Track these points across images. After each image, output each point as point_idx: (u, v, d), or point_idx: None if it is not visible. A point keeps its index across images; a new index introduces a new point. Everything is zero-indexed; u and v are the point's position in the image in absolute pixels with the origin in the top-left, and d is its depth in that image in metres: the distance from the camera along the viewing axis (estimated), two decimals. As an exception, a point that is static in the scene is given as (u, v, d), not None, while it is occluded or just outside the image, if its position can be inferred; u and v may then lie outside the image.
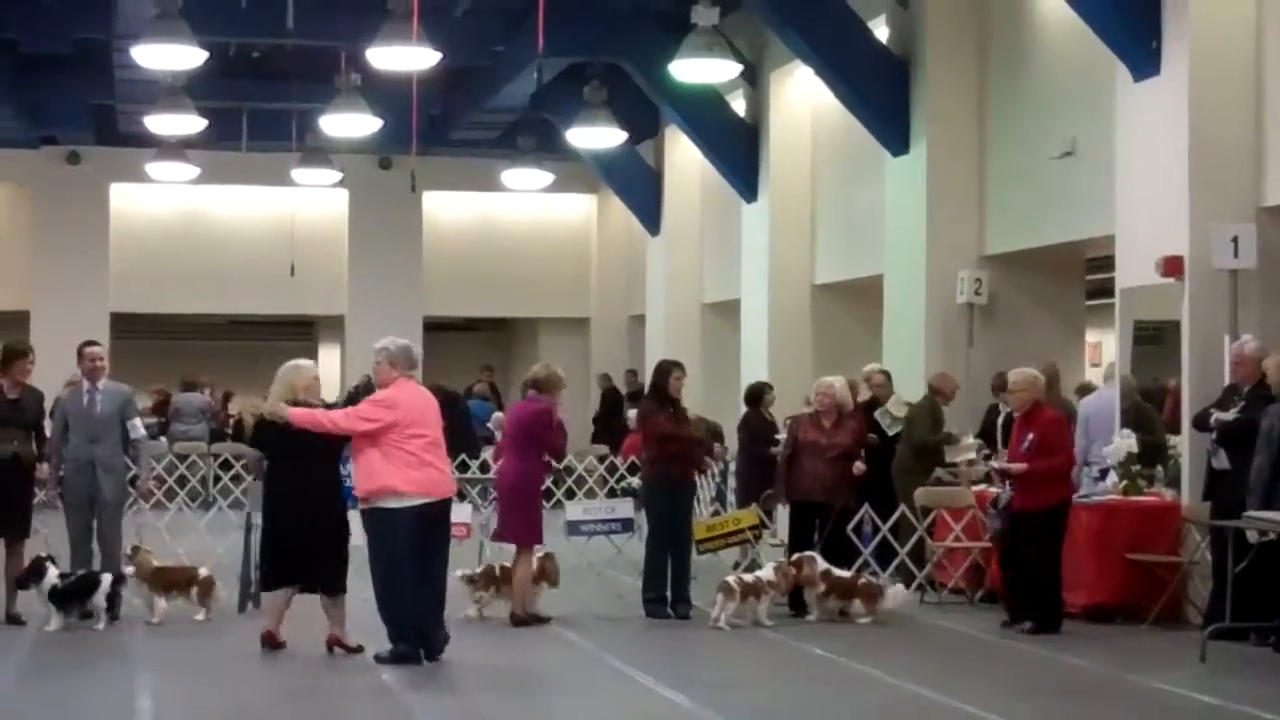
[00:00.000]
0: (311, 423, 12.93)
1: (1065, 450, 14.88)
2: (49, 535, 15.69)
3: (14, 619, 14.66)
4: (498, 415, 29.86)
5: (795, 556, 15.37)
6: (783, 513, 17.11)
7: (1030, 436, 14.62)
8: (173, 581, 15.00)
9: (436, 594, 12.89)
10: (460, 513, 17.12)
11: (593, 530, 16.97)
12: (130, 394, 15.67)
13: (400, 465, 12.57)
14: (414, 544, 12.55)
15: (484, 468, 24.13)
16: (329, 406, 13.46)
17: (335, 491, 13.18)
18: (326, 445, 13.02)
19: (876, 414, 18.04)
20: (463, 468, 23.56)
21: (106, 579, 14.44)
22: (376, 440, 12.62)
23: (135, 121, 27.90)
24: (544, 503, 15.68)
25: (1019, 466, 14.55)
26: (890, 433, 17.96)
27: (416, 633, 12.70)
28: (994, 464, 15.39)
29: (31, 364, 15.15)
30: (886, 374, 18.57)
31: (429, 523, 12.62)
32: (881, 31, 21.11)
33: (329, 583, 13.06)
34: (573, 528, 16.93)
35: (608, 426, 31.74)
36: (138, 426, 15.30)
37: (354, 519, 13.14)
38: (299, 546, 12.94)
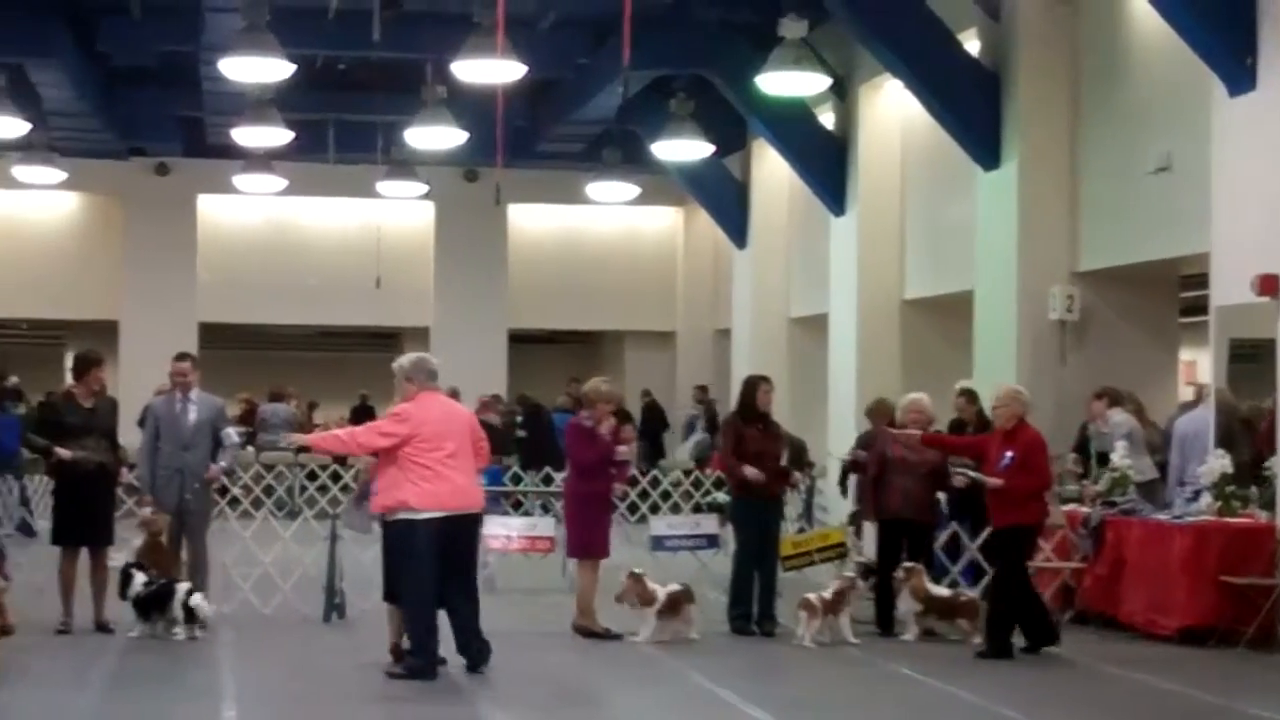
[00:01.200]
0: (334, 445, 13.23)
1: (1042, 472, 14.61)
2: (132, 542, 15.79)
3: (102, 627, 14.80)
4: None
5: (907, 566, 15.24)
6: (869, 530, 17.01)
7: (1010, 454, 14.47)
8: None
9: (468, 606, 12.90)
10: (544, 526, 17.21)
11: (678, 546, 16.97)
12: (222, 405, 15.86)
13: (416, 479, 12.63)
14: (435, 557, 12.58)
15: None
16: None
17: None
18: None
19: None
20: (546, 481, 23.59)
21: (182, 588, 14.53)
22: (394, 454, 12.70)
23: (223, 133, 28.17)
24: (624, 516, 15.65)
25: (995, 481, 14.41)
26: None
27: (433, 646, 12.71)
28: (968, 474, 15.17)
29: (105, 372, 15.36)
30: (969, 393, 18.35)
31: (451, 536, 12.62)
32: (972, 44, 21.01)
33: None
34: (657, 543, 16.93)
35: (650, 443, 31.89)
36: (231, 435, 15.52)
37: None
38: None
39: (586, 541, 15.14)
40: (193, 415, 15.27)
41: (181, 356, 15.63)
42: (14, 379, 28.86)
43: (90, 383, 15.12)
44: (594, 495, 15.21)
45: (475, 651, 12.87)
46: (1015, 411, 14.64)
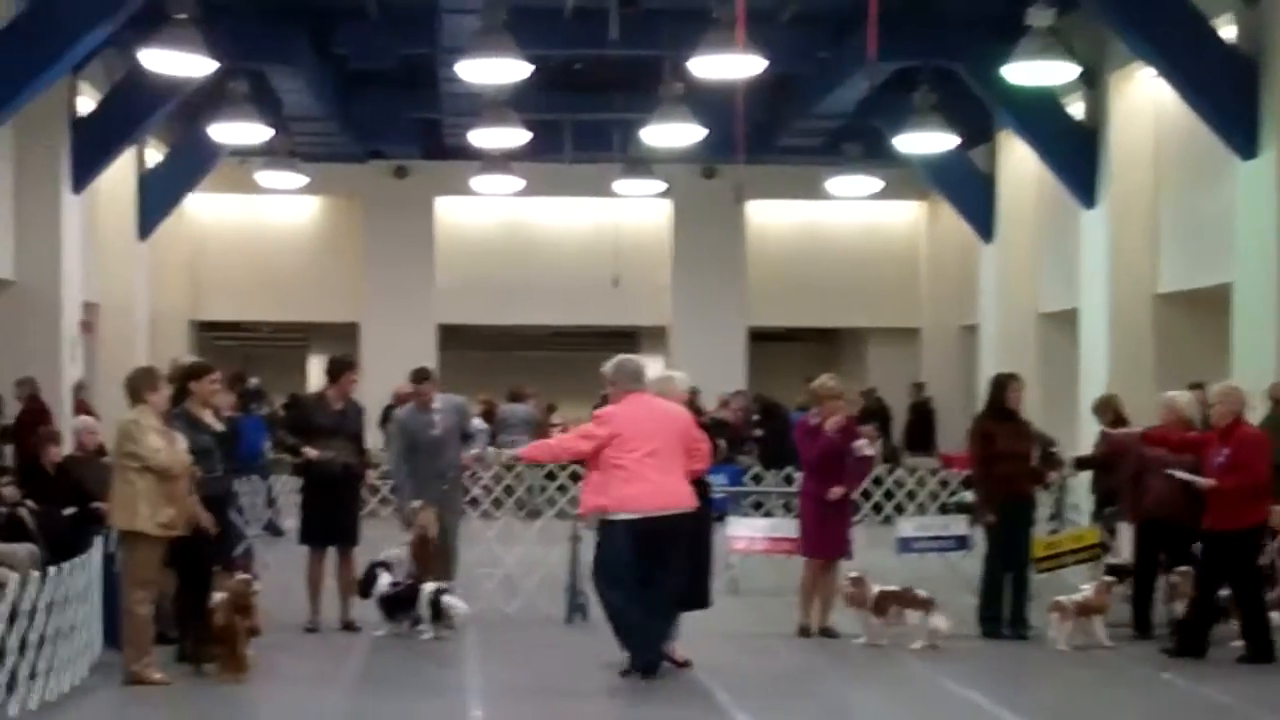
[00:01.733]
0: (543, 454, 13.71)
1: (1257, 470, 14.21)
2: (379, 541, 16.19)
3: (349, 626, 15.20)
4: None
5: (1180, 571, 15.01)
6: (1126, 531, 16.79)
7: (1225, 453, 14.19)
8: None
9: (663, 609, 12.96)
10: (786, 527, 17.25)
11: (925, 548, 16.91)
12: (463, 402, 16.39)
13: (613, 481, 12.78)
14: (632, 558, 12.69)
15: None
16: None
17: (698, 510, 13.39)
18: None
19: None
20: (787, 481, 23.65)
21: (428, 588, 14.86)
22: (597, 457, 12.89)
23: (460, 135, 28.59)
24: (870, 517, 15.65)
25: (1208, 482, 14.15)
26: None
27: (639, 644, 12.81)
28: (1177, 474, 14.88)
29: (357, 377, 15.84)
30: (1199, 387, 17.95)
31: (648, 537, 12.68)
32: (1228, 30, 20.62)
33: (685, 599, 13.34)
34: (904, 544, 16.90)
35: (922, 438, 31.81)
36: (478, 424, 16.05)
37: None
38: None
39: (818, 541, 15.20)
40: (438, 425, 15.73)
41: (421, 377, 16.02)
42: (254, 380, 29.67)
43: (344, 386, 15.61)
44: (826, 494, 15.24)
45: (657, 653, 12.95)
46: (1231, 409, 14.38)
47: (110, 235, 29.24)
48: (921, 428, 33.25)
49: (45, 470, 15.74)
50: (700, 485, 13.35)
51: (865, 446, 15.61)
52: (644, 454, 12.79)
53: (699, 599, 13.52)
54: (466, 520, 17.69)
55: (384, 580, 15.01)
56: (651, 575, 12.76)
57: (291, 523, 17.42)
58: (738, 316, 34.79)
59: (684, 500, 12.90)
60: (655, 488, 12.76)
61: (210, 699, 12.05)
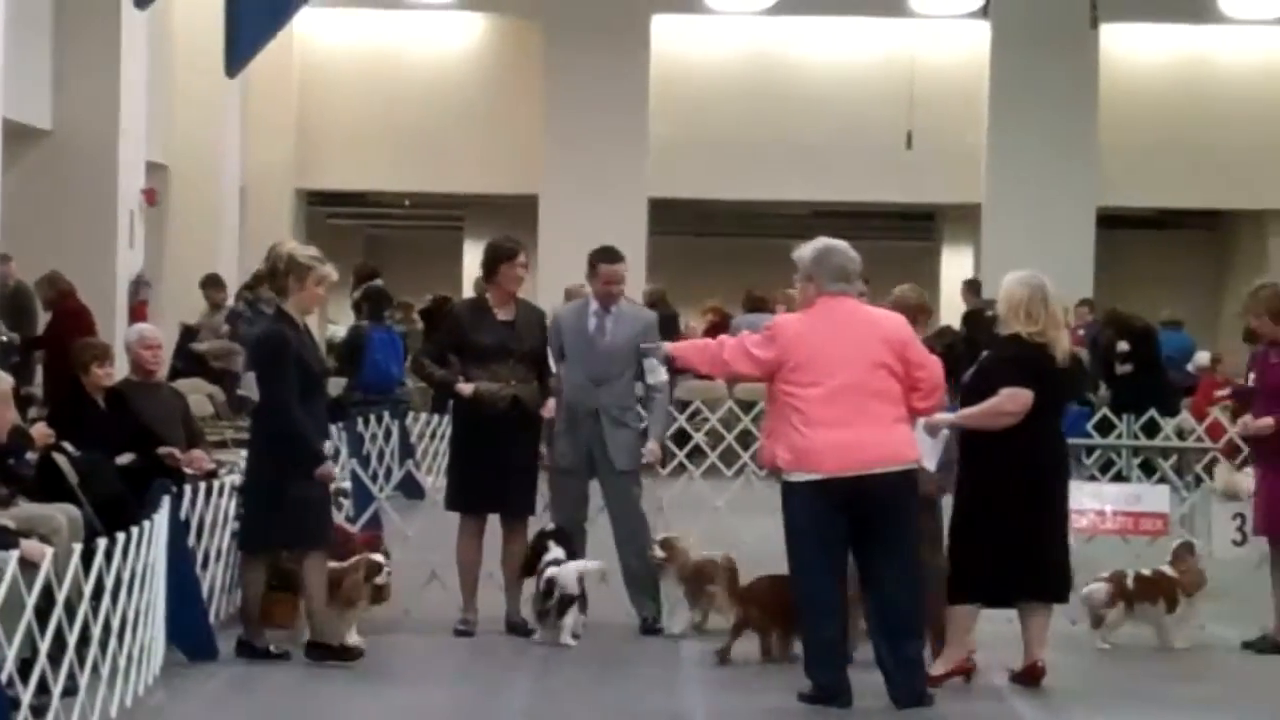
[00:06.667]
0: (695, 357, 13.47)
1: None
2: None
3: (516, 628, 15.18)
4: (1204, 354, 29.56)
5: None
6: None
7: None
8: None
9: (889, 613, 12.75)
10: (1152, 497, 17.06)
11: None
12: (653, 321, 15.91)
13: (786, 426, 12.64)
14: (820, 535, 12.61)
15: (1181, 432, 23.86)
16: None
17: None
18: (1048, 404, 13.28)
19: None
20: (1150, 431, 23.41)
21: (574, 567, 14.86)
22: (771, 388, 12.81)
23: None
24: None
25: None
26: None
27: (829, 658, 12.69)
28: None
29: (524, 267, 15.54)
30: None
31: (840, 508, 12.59)
32: None
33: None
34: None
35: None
36: (657, 369, 15.45)
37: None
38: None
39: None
40: (610, 336, 15.47)
41: (610, 255, 15.67)
42: (378, 281, 29.85)
43: (506, 283, 15.34)
44: None
45: (900, 681, 12.70)
46: None
47: (186, 70, 29.62)
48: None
49: (90, 400, 15.85)
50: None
51: None
52: (826, 391, 12.57)
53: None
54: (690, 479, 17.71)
55: (553, 555, 15.02)
56: (864, 565, 12.75)
57: (437, 480, 17.56)
58: (1080, 191, 34.44)
59: (894, 454, 12.69)
60: (841, 440, 12.52)
61: None
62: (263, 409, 14.00)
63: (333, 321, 34.70)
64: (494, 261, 15.41)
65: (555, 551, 14.99)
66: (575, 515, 15.48)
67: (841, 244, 13.04)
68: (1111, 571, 15.34)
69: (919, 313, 14.71)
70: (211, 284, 27.33)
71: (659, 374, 14.95)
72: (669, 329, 29.47)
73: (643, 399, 15.66)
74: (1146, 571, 15.33)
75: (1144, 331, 28.74)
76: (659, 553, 15.17)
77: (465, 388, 15.22)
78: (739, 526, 16.93)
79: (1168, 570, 15.30)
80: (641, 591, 15.42)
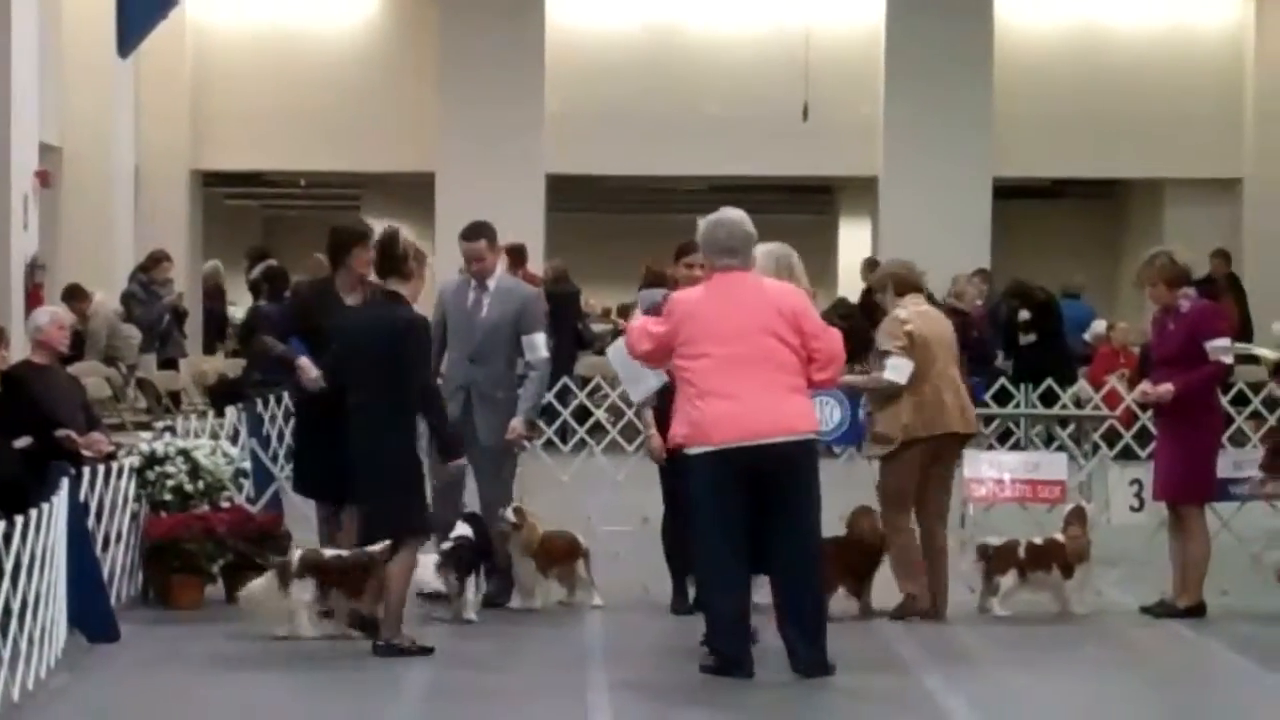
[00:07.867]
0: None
1: None
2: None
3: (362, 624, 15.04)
4: (1100, 323, 29.83)
5: None
6: None
7: None
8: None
9: (790, 584, 12.84)
10: (1050, 465, 17.20)
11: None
12: (534, 296, 16.00)
13: (683, 402, 12.82)
14: (719, 508, 12.68)
15: (1078, 400, 24.00)
16: None
17: None
18: None
19: None
20: (1048, 400, 23.56)
21: (430, 561, 14.79)
22: (672, 363, 12.97)
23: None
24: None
25: None
26: None
27: (727, 628, 12.76)
28: None
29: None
30: None
31: (738, 479, 12.65)
32: None
33: None
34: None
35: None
36: (537, 345, 15.44)
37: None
38: None
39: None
40: (486, 311, 15.47)
41: (466, 232, 15.62)
42: (271, 261, 29.63)
43: (358, 267, 15.12)
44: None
45: (801, 652, 12.81)
46: None
47: (77, 50, 29.48)
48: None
49: (-15, 383, 15.80)
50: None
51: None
52: (714, 362, 12.68)
53: None
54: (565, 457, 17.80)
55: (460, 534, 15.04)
56: (761, 534, 12.74)
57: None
58: (978, 164, 34.47)
59: (787, 424, 12.73)
60: (732, 411, 12.61)
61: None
62: (429, 392, 14.06)
63: (232, 303, 34.65)
64: (345, 245, 15.32)
65: (462, 529, 15.03)
66: (452, 493, 15.35)
67: (732, 216, 13.11)
68: (1004, 539, 15.48)
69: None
70: (73, 295, 26.05)
71: (539, 351, 15.11)
72: (569, 306, 29.56)
73: (523, 375, 15.74)
74: (1039, 540, 15.49)
75: (1046, 302, 29.01)
76: (510, 517, 15.30)
77: (309, 374, 15.04)
78: (641, 501, 16.96)
79: (1059, 538, 15.46)
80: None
